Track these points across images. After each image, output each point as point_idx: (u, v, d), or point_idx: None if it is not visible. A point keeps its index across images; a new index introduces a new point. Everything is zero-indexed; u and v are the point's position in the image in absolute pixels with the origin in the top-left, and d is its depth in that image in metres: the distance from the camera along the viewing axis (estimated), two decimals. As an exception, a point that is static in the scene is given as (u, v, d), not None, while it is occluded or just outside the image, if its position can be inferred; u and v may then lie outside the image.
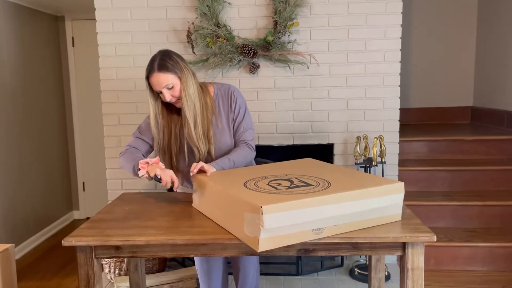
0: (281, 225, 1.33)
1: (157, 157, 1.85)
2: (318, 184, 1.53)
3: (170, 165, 1.95)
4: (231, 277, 2.63)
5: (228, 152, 1.94)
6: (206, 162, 1.86)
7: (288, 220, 1.34)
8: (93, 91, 4.14)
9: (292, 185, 1.52)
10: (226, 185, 1.55)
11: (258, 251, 1.34)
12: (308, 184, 1.53)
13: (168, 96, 1.81)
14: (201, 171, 1.74)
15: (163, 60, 1.80)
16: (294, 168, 1.80)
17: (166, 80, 1.79)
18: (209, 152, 1.92)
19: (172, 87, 1.80)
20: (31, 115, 3.74)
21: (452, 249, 2.85)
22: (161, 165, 1.79)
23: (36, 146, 3.81)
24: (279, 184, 1.54)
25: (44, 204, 3.92)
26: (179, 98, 1.84)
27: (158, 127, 1.90)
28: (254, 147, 1.98)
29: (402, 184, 1.52)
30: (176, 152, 1.93)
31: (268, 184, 1.55)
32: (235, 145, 1.98)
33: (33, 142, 3.76)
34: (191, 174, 1.73)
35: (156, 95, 1.87)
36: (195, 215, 1.68)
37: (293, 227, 1.36)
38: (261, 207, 1.28)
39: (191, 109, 1.84)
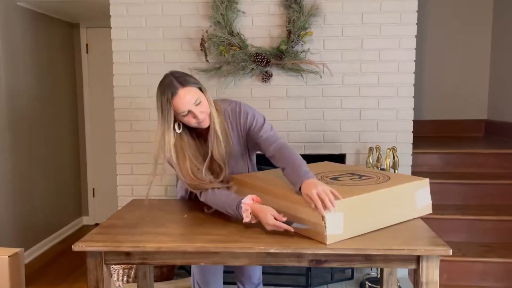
0: None
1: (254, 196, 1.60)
2: (379, 177, 1.71)
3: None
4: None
5: (236, 169, 1.83)
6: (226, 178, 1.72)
7: None
8: (105, 97, 4.16)
9: (365, 177, 1.72)
10: (368, 187, 1.59)
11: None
12: (370, 177, 1.72)
13: (199, 114, 1.61)
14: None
15: (181, 77, 1.63)
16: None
17: (194, 95, 1.60)
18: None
19: (200, 102, 1.62)
20: (44, 120, 3.78)
21: (465, 264, 2.79)
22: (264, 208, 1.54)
23: (48, 151, 3.83)
24: (351, 178, 1.73)
25: (54, 209, 3.94)
26: (208, 114, 1.66)
27: (184, 159, 1.67)
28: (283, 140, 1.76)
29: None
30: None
31: (351, 179, 1.72)
32: (266, 151, 1.72)
33: (44, 148, 3.79)
34: (322, 212, 1.40)
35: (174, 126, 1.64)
36: (206, 222, 1.66)
37: None
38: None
39: (219, 122, 1.68)
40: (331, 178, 1.74)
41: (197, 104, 1.62)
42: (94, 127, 4.33)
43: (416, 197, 1.65)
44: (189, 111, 1.61)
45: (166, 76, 1.67)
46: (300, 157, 1.61)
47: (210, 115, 1.67)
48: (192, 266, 2.02)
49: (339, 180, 1.70)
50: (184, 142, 1.68)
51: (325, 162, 2.10)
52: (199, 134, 1.77)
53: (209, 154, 1.71)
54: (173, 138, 1.64)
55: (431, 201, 1.70)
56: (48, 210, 3.84)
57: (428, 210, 1.71)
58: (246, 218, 1.55)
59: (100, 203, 4.40)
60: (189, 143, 1.70)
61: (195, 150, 1.72)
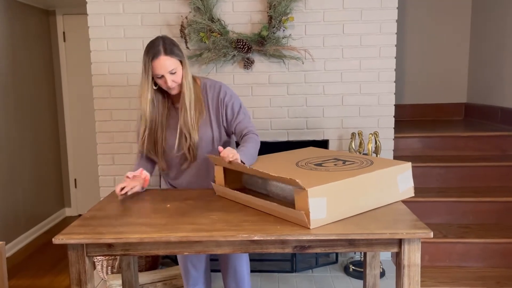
0: None
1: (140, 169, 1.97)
2: (362, 162, 1.74)
3: (156, 153, 1.98)
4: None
5: (209, 143, 1.95)
6: (192, 150, 1.91)
7: None
8: (85, 86, 4.08)
9: (349, 162, 1.75)
10: (351, 172, 1.62)
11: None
12: (354, 162, 1.75)
13: (170, 82, 1.82)
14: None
15: (169, 45, 1.82)
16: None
17: (171, 64, 1.80)
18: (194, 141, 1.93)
19: (175, 72, 1.82)
20: (22, 111, 3.69)
21: (446, 245, 2.85)
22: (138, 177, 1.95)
23: (27, 142, 3.75)
24: (335, 163, 1.76)
25: (36, 201, 3.87)
26: (179, 84, 1.86)
27: (153, 111, 1.90)
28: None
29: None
30: (162, 140, 1.94)
31: (335, 164, 1.75)
32: (238, 135, 1.95)
33: (24, 138, 3.71)
34: (227, 160, 1.68)
35: (152, 81, 1.86)
36: (189, 212, 1.66)
37: None
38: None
39: (188, 95, 1.87)
40: (315, 164, 1.74)
41: (172, 73, 1.81)
42: (74, 117, 4.25)
43: (398, 181, 1.69)
44: (163, 76, 1.81)
45: (157, 38, 1.84)
46: (256, 147, 1.86)
47: (181, 87, 1.86)
48: None
49: (323, 166, 1.71)
50: (154, 107, 1.89)
51: (310, 148, 2.10)
52: (173, 101, 1.96)
53: (178, 127, 1.89)
54: (150, 93, 1.85)
55: (413, 184, 1.74)
56: (30, 202, 3.77)
57: (410, 193, 1.74)
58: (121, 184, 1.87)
59: (82, 194, 4.35)
60: (159, 108, 1.91)
61: (161, 115, 1.92)
